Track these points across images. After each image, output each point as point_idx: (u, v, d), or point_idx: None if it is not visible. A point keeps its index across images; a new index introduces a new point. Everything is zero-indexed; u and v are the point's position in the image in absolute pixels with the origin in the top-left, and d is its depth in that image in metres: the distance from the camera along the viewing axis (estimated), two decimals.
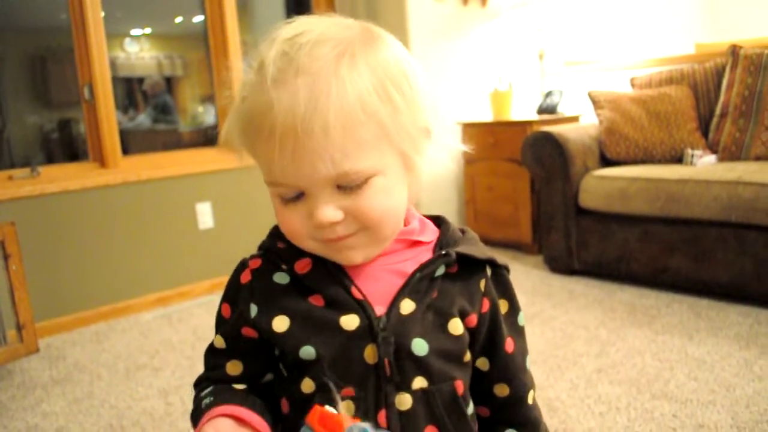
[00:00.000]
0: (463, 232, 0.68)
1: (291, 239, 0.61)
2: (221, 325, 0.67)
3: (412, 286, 0.61)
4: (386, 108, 0.55)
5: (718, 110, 2.68)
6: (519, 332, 0.68)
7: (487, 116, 3.45)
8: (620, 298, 2.42)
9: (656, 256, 2.45)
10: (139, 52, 4.00)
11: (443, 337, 0.61)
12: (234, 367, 0.65)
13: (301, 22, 0.57)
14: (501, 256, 0.66)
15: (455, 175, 3.51)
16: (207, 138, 3.46)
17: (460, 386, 0.63)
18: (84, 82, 2.67)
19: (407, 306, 0.60)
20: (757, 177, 2.19)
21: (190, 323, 2.50)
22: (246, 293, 0.64)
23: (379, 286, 0.61)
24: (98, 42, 2.64)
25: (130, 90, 3.93)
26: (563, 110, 3.34)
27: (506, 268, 0.68)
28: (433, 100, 0.61)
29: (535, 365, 1.86)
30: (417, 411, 0.60)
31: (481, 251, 0.65)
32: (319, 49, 0.54)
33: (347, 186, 0.55)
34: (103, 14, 2.66)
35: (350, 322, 0.59)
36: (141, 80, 3.89)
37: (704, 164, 2.55)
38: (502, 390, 0.67)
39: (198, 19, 3.51)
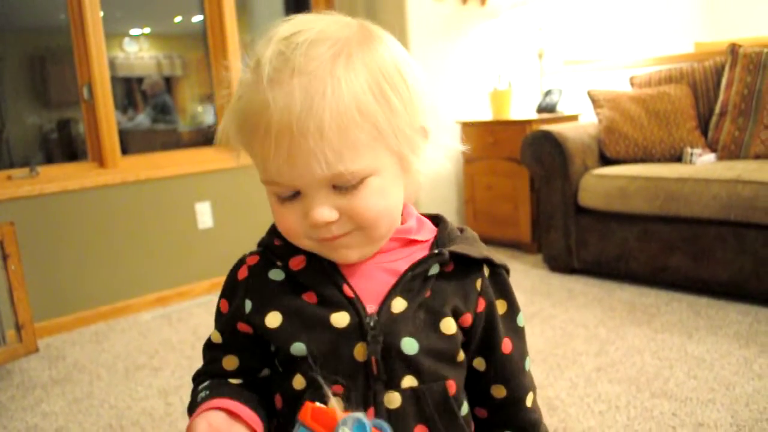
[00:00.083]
0: (461, 231, 0.68)
1: (287, 237, 0.61)
2: (219, 320, 0.68)
3: (403, 285, 0.61)
4: (382, 109, 0.55)
5: (717, 109, 2.68)
6: (518, 333, 0.67)
7: (487, 115, 3.45)
8: (620, 297, 2.42)
9: (656, 255, 2.45)
10: (138, 52, 4.00)
11: (435, 336, 0.61)
12: (230, 362, 0.66)
13: (299, 20, 0.57)
14: (500, 255, 0.66)
15: (455, 174, 3.51)
16: (206, 138, 3.45)
17: (452, 386, 0.62)
18: (83, 82, 2.67)
19: (398, 304, 0.60)
20: (756, 175, 2.19)
21: (190, 323, 2.50)
22: (242, 289, 0.65)
23: (371, 285, 0.61)
24: (97, 42, 2.64)
25: (129, 90, 3.93)
26: (563, 109, 3.34)
27: (505, 268, 0.67)
28: (431, 100, 0.61)
29: (534, 364, 1.86)
30: (406, 410, 0.60)
31: (478, 250, 0.64)
32: (316, 49, 0.54)
33: (342, 186, 0.56)
34: (102, 14, 2.66)
35: (341, 319, 0.59)
36: (140, 80, 3.89)
37: (703, 163, 2.55)
38: (499, 391, 0.67)
39: (197, 18, 3.51)
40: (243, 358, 0.66)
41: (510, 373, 0.66)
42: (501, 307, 0.66)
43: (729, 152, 2.59)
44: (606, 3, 3.68)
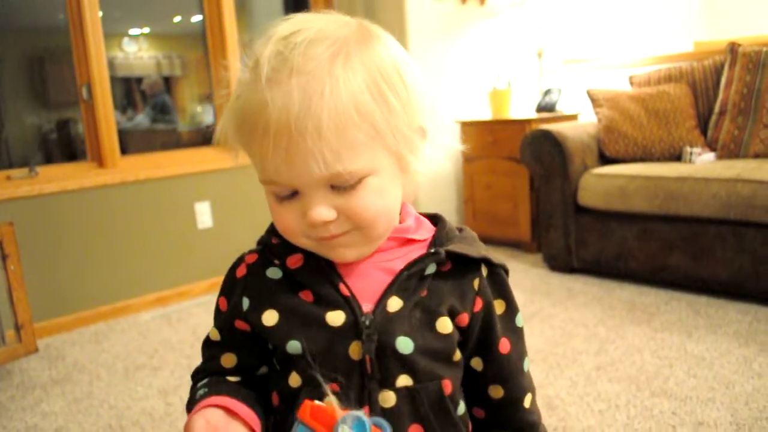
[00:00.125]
0: (460, 230, 0.68)
1: (285, 236, 0.61)
2: (218, 317, 0.68)
3: (399, 284, 0.61)
4: (380, 109, 0.55)
5: (716, 108, 2.68)
6: (516, 333, 0.67)
7: (486, 114, 3.45)
8: (619, 296, 2.42)
9: (655, 254, 2.45)
10: (138, 52, 3.99)
11: (431, 335, 0.61)
12: (228, 360, 0.66)
13: (298, 19, 0.57)
14: (500, 255, 0.66)
15: (454, 174, 3.51)
16: (206, 138, 3.45)
17: (448, 386, 0.62)
18: (82, 82, 2.66)
19: (394, 304, 0.60)
20: (755, 174, 2.19)
21: (189, 323, 2.50)
22: (240, 287, 0.65)
23: (368, 284, 0.61)
24: (96, 42, 2.64)
25: (128, 90, 3.92)
26: (562, 108, 3.34)
27: (504, 268, 0.67)
28: (429, 99, 0.61)
29: (534, 363, 1.86)
30: (401, 409, 0.60)
31: (476, 250, 0.64)
32: (314, 49, 0.54)
33: (341, 186, 0.56)
34: (101, 14, 2.66)
35: (336, 318, 0.60)
36: (139, 80, 3.88)
37: (703, 162, 2.55)
38: (496, 391, 0.66)
39: (196, 18, 3.50)
40: (241, 356, 0.66)
41: (508, 373, 0.66)
42: (499, 307, 0.66)
43: (728, 151, 2.59)
44: (605, 2, 3.68)
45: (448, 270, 0.63)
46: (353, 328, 0.59)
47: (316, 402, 0.52)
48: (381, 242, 0.62)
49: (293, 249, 0.62)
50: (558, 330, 2.12)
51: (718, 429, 1.45)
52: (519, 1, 3.42)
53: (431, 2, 3.34)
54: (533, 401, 0.68)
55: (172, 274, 2.81)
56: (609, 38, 3.68)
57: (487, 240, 3.22)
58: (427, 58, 3.27)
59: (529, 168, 2.87)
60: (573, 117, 3.30)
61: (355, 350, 0.59)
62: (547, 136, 2.72)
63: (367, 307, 0.60)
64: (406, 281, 0.61)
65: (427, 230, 0.67)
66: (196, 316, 2.57)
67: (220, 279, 0.69)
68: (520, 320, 0.67)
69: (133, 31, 3.95)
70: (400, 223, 0.65)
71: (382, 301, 0.60)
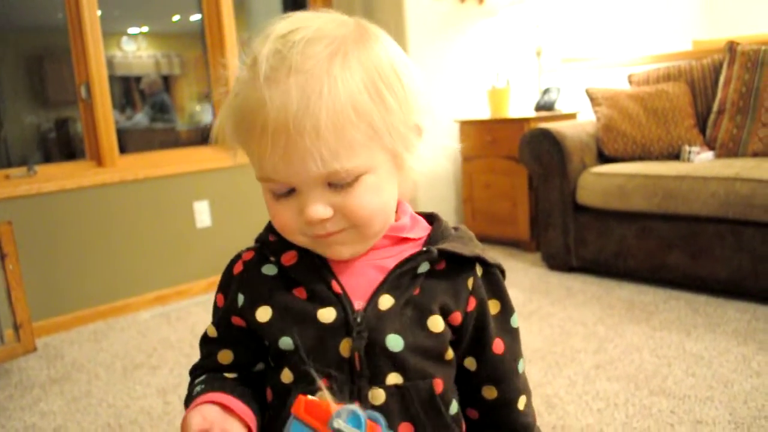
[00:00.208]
0: (456, 229, 0.68)
1: (282, 233, 0.61)
2: (215, 314, 0.69)
3: (391, 282, 0.61)
4: (378, 108, 0.55)
5: (715, 107, 2.68)
6: (511, 334, 0.66)
7: (485, 113, 3.45)
8: (618, 295, 2.43)
9: (654, 253, 2.46)
10: (137, 51, 3.99)
11: (422, 333, 0.61)
12: (225, 356, 0.67)
13: (296, 18, 0.57)
14: (498, 254, 0.66)
15: (453, 173, 3.51)
16: (204, 136, 3.45)
17: (439, 384, 0.62)
18: (81, 81, 2.66)
19: (385, 301, 0.60)
20: (754, 173, 2.20)
21: (188, 322, 2.50)
22: (236, 283, 0.66)
23: (361, 281, 0.62)
24: (95, 41, 2.64)
25: (127, 89, 3.92)
26: (561, 107, 3.34)
27: (499, 268, 0.66)
28: (426, 98, 0.61)
29: (533, 362, 1.86)
30: (391, 407, 0.60)
31: (470, 249, 0.64)
32: (312, 48, 0.54)
33: (337, 183, 0.56)
34: (99, 13, 2.65)
35: (327, 315, 0.60)
36: (138, 79, 3.88)
37: (702, 161, 2.55)
38: (490, 392, 0.66)
39: (195, 17, 3.50)
40: (237, 352, 0.66)
41: (501, 374, 0.66)
42: (493, 307, 0.65)
43: (727, 150, 2.59)
44: (604, 1, 3.68)
45: (443, 269, 0.63)
46: (344, 325, 0.59)
47: (310, 397, 0.52)
48: (377, 240, 0.62)
49: (288, 246, 0.63)
50: (557, 329, 2.12)
51: (716, 427, 1.45)
52: (517, 0, 3.42)
53: (430, 1, 3.33)
54: (528, 404, 0.68)
55: (171, 273, 2.81)
56: (608, 37, 3.68)
57: (485, 239, 3.23)
58: (425, 57, 3.27)
59: (528, 167, 2.87)
60: (572, 116, 3.30)
61: (345, 347, 0.59)
62: (546, 135, 2.72)
63: (358, 304, 0.60)
64: (397, 279, 0.61)
65: (423, 229, 0.67)
66: (195, 315, 2.57)
67: (218, 278, 0.70)
68: (515, 321, 0.67)
69: (131, 30, 3.94)
70: (396, 221, 0.65)
71: (373, 299, 0.60)
